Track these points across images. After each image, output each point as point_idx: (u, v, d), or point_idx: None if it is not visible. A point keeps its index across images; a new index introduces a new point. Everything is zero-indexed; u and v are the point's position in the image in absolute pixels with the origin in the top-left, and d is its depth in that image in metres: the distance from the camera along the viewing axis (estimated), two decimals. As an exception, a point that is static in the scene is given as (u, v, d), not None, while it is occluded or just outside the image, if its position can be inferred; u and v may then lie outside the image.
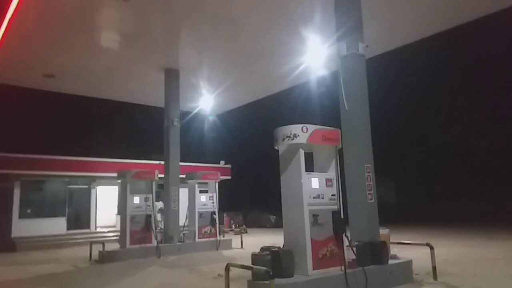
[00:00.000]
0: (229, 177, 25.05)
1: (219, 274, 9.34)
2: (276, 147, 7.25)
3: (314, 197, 6.90)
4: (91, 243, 13.48)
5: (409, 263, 8.27)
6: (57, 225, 19.52)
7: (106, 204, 22.29)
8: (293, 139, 6.86)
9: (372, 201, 8.09)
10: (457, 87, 34.06)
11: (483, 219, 24.50)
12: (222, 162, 25.68)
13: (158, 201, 15.42)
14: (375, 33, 11.35)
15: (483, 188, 32.93)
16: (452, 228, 20.29)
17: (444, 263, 9.54)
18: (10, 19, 11.04)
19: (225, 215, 24.06)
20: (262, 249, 7.04)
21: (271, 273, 5.89)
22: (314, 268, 6.62)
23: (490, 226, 20.05)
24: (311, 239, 6.69)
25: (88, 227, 21.04)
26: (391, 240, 8.75)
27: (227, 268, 6.61)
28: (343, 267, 6.84)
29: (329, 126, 7.40)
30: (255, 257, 6.85)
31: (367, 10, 9.17)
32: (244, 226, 23.41)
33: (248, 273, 6.96)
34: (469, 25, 12.08)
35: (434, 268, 8.20)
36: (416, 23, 12.17)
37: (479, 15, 11.54)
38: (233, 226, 24.14)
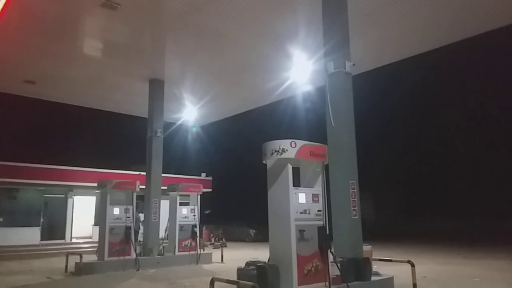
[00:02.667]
0: (209, 190, 24.90)
1: (201, 289, 9.22)
2: (264, 161, 7.27)
3: (301, 212, 6.93)
4: (67, 254, 13.09)
5: (391, 280, 8.37)
6: (31, 235, 18.93)
7: (82, 215, 21.78)
8: (281, 153, 6.90)
9: (356, 217, 8.16)
10: (441, 105, 34.94)
11: (457, 237, 24.97)
12: (203, 175, 25.54)
13: (142, 213, 15.15)
14: (361, 51, 11.62)
15: (459, 207, 33.66)
16: (428, 245, 20.62)
17: (423, 280, 9.67)
18: (-7, 24, 10.83)
19: (204, 228, 23.81)
20: (248, 263, 7.00)
21: (257, 288, 5.85)
22: (299, 284, 6.60)
23: (464, 244, 20.45)
24: (297, 255, 6.69)
25: (63, 237, 20.48)
26: (373, 257, 8.84)
27: (212, 283, 6.52)
28: (327, 283, 6.85)
29: (313, 141, 7.48)
30: (240, 272, 6.81)
31: (353, 27, 9.38)
32: (223, 239, 23.19)
33: (233, 287, 6.88)
34: (457, 44, 12.43)
35: (414, 285, 8.32)
36: (403, 43, 12.51)
37: (468, 35, 11.91)
38: (213, 239, 23.89)
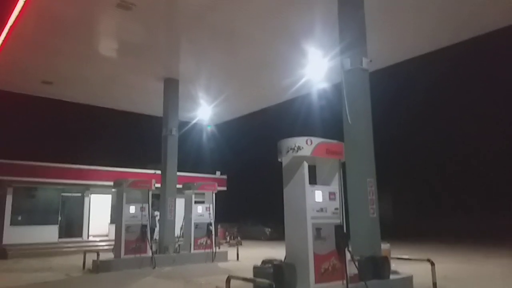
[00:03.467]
0: (224, 188, 24.94)
1: (217, 287, 9.22)
2: (279, 159, 7.21)
3: (317, 211, 6.86)
4: (85, 252, 13.28)
5: (410, 278, 8.24)
6: (49, 233, 19.25)
7: (99, 213, 22.05)
8: (297, 151, 6.83)
9: (374, 215, 8.05)
10: (459, 103, 34.25)
11: (477, 235, 24.51)
12: (218, 173, 25.61)
13: (158, 211, 15.27)
14: (378, 47, 11.43)
15: (479, 205, 33.05)
16: (447, 244, 20.28)
17: (443, 279, 9.46)
18: (11, 26, 10.99)
19: (219, 226, 23.86)
20: (264, 262, 6.97)
21: (274, 286, 5.81)
22: (316, 282, 6.54)
23: (485, 243, 20.06)
24: (314, 253, 6.62)
25: (81, 235, 20.76)
26: (391, 255, 8.71)
27: (228, 281, 6.51)
28: (345, 282, 6.77)
29: (329, 139, 7.39)
30: (257, 270, 6.78)
31: (369, 24, 9.26)
32: (239, 238, 23.21)
33: (249, 286, 6.86)
34: (474, 40, 12.17)
35: (434, 284, 8.17)
36: (419, 38, 12.29)
37: (485, 31, 11.68)
38: (228, 237, 23.93)
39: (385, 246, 8.29)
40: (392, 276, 7.85)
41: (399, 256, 9.15)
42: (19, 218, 19.18)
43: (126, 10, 10.30)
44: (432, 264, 8.18)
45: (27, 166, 19.13)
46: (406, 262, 9.29)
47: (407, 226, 30.35)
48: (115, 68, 14.44)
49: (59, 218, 20.21)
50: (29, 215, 19.58)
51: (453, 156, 35.96)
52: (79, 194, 21.35)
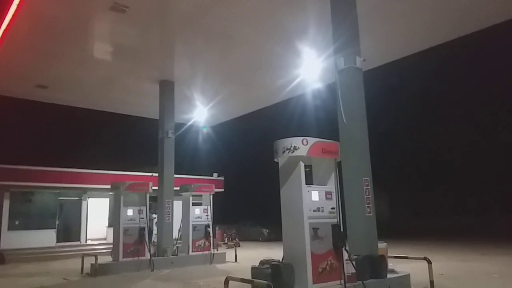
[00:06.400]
0: (221, 190, 24.93)
1: (215, 288, 9.22)
2: (276, 160, 7.23)
3: (314, 210, 6.88)
4: (83, 256, 13.25)
5: (407, 277, 8.27)
6: (46, 238, 19.18)
7: (96, 216, 21.99)
8: (293, 151, 6.85)
9: (371, 214, 8.08)
10: (453, 101, 34.37)
11: (473, 234, 24.60)
12: (215, 175, 25.58)
13: (155, 213, 15.25)
14: (371, 46, 11.47)
15: (474, 204, 33.18)
16: (444, 242, 20.35)
17: (440, 277, 9.51)
18: (5, 30, 10.96)
19: (217, 228, 23.87)
20: (262, 262, 6.97)
21: (272, 287, 5.81)
22: (314, 282, 6.55)
23: (481, 241, 20.13)
24: (311, 253, 6.64)
25: (78, 239, 20.69)
26: (388, 254, 8.74)
27: (226, 282, 6.51)
28: (342, 281, 6.79)
29: (324, 138, 7.41)
30: (255, 271, 6.78)
31: (363, 23, 9.30)
32: (237, 239, 23.21)
33: (247, 286, 6.85)
34: (466, 39, 12.24)
35: (431, 282, 8.17)
36: (413, 37, 12.33)
37: (477, 29, 11.74)
38: (226, 239, 23.92)
39: (382, 245, 8.32)
40: (389, 275, 7.87)
41: (396, 255, 9.17)
42: (17, 222, 19.10)
43: (120, 13, 10.31)
44: (429, 262, 8.19)
45: (24, 171, 19.04)
46: (403, 261, 9.32)
47: (403, 224, 30.43)
48: (110, 71, 14.43)
49: (57, 222, 20.13)
50: (27, 219, 19.50)
51: (449, 154, 36.11)
52: (77, 198, 21.29)
